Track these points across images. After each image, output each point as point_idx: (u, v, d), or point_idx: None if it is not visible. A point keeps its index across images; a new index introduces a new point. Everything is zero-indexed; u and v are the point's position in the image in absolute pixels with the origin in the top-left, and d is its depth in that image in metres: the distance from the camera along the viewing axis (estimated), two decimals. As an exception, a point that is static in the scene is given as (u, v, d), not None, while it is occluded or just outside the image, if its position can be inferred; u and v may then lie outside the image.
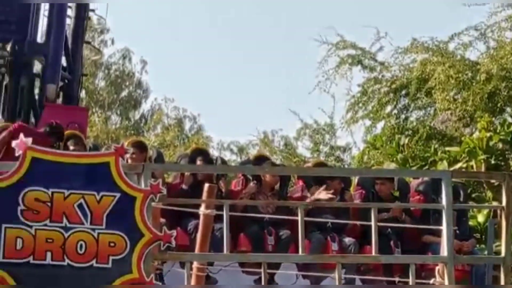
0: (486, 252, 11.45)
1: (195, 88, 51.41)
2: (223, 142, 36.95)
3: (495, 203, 12.57)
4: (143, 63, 39.44)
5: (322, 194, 10.89)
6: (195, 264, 8.87)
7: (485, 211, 13.76)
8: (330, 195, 10.81)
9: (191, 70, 51.99)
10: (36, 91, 14.32)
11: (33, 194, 7.12)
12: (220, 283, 10.21)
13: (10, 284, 7.01)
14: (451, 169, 15.18)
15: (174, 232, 7.53)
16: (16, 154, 7.21)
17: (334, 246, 10.75)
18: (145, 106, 40.09)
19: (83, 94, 35.17)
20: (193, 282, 8.77)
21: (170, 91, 52.08)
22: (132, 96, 39.82)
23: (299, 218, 8.32)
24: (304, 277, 10.52)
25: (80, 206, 7.17)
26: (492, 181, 14.39)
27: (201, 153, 11.83)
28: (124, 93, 39.65)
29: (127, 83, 39.69)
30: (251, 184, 10.96)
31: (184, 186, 10.83)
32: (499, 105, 17.09)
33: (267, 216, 10.66)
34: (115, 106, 39.37)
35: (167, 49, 51.97)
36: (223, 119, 51.46)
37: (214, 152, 32.52)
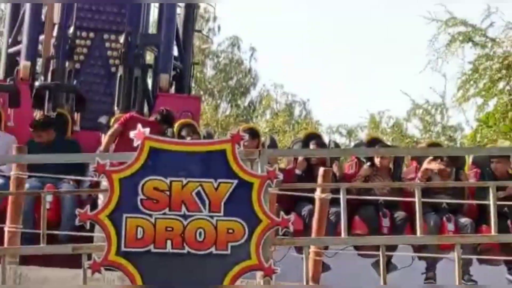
0: None
1: (303, 74, 51.40)
2: (332, 126, 36.83)
3: None
4: (252, 50, 39.57)
5: (432, 164, 10.80)
6: (312, 249, 8.93)
7: None
8: (440, 166, 10.73)
9: (299, 56, 51.83)
10: (149, 81, 14.48)
11: (152, 184, 7.18)
12: (336, 267, 10.21)
13: (131, 272, 7.11)
14: None
15: (291, 217, 7.53)
16: (135, 145, 7.28)
17: (450, 227, 10.66)
18: (254, 93, 40.25)
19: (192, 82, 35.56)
20: (310, 266, 8.83)
21: (278, 78, 51.96)
22: (242, 83, 39.93)
23: (416, 199, 8.25)
24: (420, 258, 10.46)
25: (198, 194, 7.22)
26: None
27: (314, 137, 11.86)
28: (233, 81, 39.76)
29: (236, 71, 39.82)
30: (365, 166, 10.92)
31: (297, 171, 10.86)
32: None
33: (381, 198, 10.59)
34: (224, 94, 39.57)
35: (275, 36, 51.87)
36: (331, 103, 51.68)
37: (325, 136, 32.44)
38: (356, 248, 10.05)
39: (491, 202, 8.29)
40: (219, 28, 38.63)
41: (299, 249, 8.68)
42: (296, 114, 39.62)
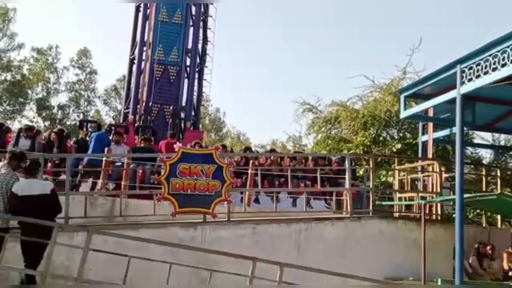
0: (363, 186, 11.30)
1: (246, 120, 50.73)
2: (255, 144, 36.94)
3: (367, 166, 12.38)
4: (224, 113, 39.54)
5: None
6: (246, 193, 8.83)
7: (363, 169, 13.40)
8: None
9: (245, 112, 51.41)
10: (182, 125, 14.36)
11: (182, 166, 7.10)
12: (256, 200, 10.04)
13: (174, 201, 6.98)
14: (349, 153, 15.13)
15: (238, 180, 7.48)
16: (175, 151, 7.22)
17: (302, 185, 10.25)
18: (224, 130, 40.03)
19: (200, 126, 35.20)
20: (245, 199, 8.75)
21: (235, 123, 51.74)
22: (219, 126, 39.62)
23: (288, 173, 8.24)
24: (290, 197, 10.21)
25: (201, 170, 7.14)
26: (365, 157, 14.26)
27: (248, 148, 11.84)
28: (215, 125, 39.45)
29: (217, 121, 39.53)
30: (268, 160, 10.78)
31: (241, 162, 10.61)
32: (367, 126, 16.89)
33: (275, 173, 10.49)
34: (212, 130, 39.22)
35: (235, 104, 51.47)
36: (257, 131, 51.25)
37: (253, 148, 32.58)
38: (265, 193, 9.74)
39: (318, 175, 8.37)
40: (212, 104, 38.55)
41: (242, 193, 8.61)
42: (242, 139, 39.58)
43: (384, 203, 9.69)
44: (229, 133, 39.31)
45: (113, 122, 31.81)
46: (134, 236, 6.13)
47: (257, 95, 51.64)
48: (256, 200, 10.13)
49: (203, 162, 7.19)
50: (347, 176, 8.36)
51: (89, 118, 28.39)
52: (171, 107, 13.62)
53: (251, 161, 9.37)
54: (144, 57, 14.27)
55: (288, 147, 28.07)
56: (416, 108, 8.48)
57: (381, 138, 16.91)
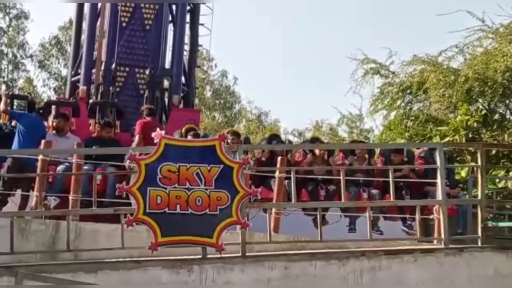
0: (467, 196, 11.27)
1: (269, 92, 51.69)
2: (287, 129, 37.22)
3: (472, 163, 12.34)
4: (235, 78, 39.76)
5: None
6: (273, 210, 8.93)
7: (466, 169, 13.49)
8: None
9: (267, 80, 51.95)
10: (166, 100, 14.47)
11: (166, 167, 7.16)
12: (289, 222, 10.17)
13: (153, 226, 7.09)
14: (442, 141, 15.08)
15: (259, 190, 7.56)
16: (155, 142, 7.26)
17: (365, 195, 10.63)
18: (237, 107, 40.40)
19: (196, 101, 35.71)
20: (272, 221, 8.83)
21: (252, 95, 52.38)
22: (228, 101, 40.03)
23: (341, 177, 8.32)
24: (345, 216, 10.44)
25: (197, 174, 7.20)
26: (470, 148, 14.25)
27: (276, 137, 11.84)
28: (223, 99, 39.87)
29: (225, 93, 39.94)
30: (308, 156, 10.90)
31: (263, 159, 10.79)
32: (473, 97, 16.85)
33: (319, 177, 10.57)
34: (217, 108, 39.65)
35: (250, 67, 52.00)
36: (287, 113, 51.97)
37: (282, 136, 32.63)
38: (303, 209, 9.99)
39: (390, 179, 8.33)
40: (215, 65, 38.85)
41: (265, 210, 8.67)
42: (266, 121, 39.85)
43: (503, 224, 9.56)
44: (244, 112, 39.55)
45: (54, 97, 32.24)
46: (91, 284, 6.13)
47: (288, 49, 51.87)
48: (289, 222, 10.19)
49: (200, 160, 7.26)
50: (439, 181, 8.27)
51: (16, 92, 28.63)
52: (147, 71, 13.68)
53: (279, 158, 9.36)
54: (101, -10, 14.35)
55: (341, 133, 28.17)
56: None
57: (496, 116, 16.80)
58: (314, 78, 51.39)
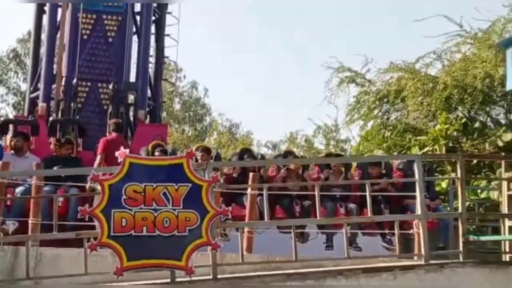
0: (448, 209, 11.37)
1: (240, 104, 51.71)
2: (260, 141, 37.21)
3: (453, 175, 12.47)
4: (205, 90, 39.69)
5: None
6: (246, 229, 8.93)
7: (447, 180, 13.61)
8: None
9: (238, 92, 51.92)
10: (131, 115, 14.39)
11: (131, 188, 7.15)
12: (263, 240, 10.17)
13: (118, 250, 7.06)
14: (420, 152, 15.21)
15: (229, 208, 7.59)
16: (119, 161, 7.25)
17: (342, 211, 10.68)
18: (207, 119, 40.34)
19: (164, 114, 35.68)
20: (245, 241, 8.83)
21: (222, 107, 52.34)
22: (198, 113, 39.95)
23: (316, 192, 8.36)
24: (322, 233, 10.47)
25: (164, 194, 7.19)
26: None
27: (247, 151, 11.84)
28: (192, 112, 39.77)
29: (195, 105, 39.84)
30: (282, 171, 10.92)
31: (234, 175, 10.77)
32: (453, 105, 17.01)
33: (294, 193, 10.59)
34: (187, 121, 39.56)
35: (221, 77, 52.05)
36: (259, 124, 52.01)
37: (255, 149, 32.64)
38: (279, 227, 9.98)
39: (367, 193, 8.37)
40: (184, 76, 38.77)
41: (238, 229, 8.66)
42: (237, 133, 39.81)
43: (484, 237, 9.64)
44: (215, 125, 39.52)
45: (13, 114, 31.94)
46: (52, 313, 6.13)
47: (262, 57, 51.91)
48: (264, 240, 10.15)
49: (167, 179, 7.25)
50: (417, 194, 8.33)
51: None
52: (110, 86, 13.61)
53: (251, 174, 9.37)
54: (60, -1, 14.27)
55: (317, 144, 28.24)
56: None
57: (477, 124, 16.98)
58: (288, 87, 51.52)
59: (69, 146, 11.02)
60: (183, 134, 36.94)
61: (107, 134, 11.63)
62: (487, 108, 17.33)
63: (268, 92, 51.99)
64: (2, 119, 18.51)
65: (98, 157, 10.68)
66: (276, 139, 35.80)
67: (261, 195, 8.74)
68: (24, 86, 31.55)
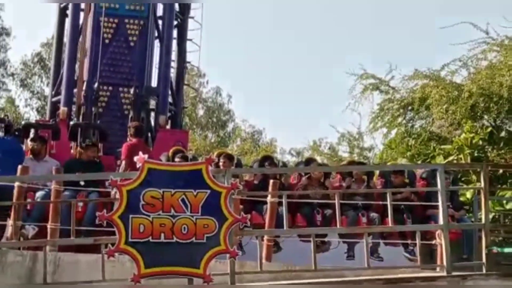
0: (472, 219, 11.26)
1: (264, 110, 51.87)
2: (284, 149, 37.20)
3: (478, 185, 12.36)
4: (229, 96, 39.73)
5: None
6: (265, 237, 8.89)
7: (472, 190, 13.51)
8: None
9: (263, 97, 52.08)
10: (152, 120, 14.45)
11: (150, 193, 7.12)
12: (285, 249, 10.14)
13: (136, 256, 7.06)
14: (445, 161, 15.13)
15: (248, 216, 7.53)
16: (137, 166, 7.26)
17: (364, 220, 10.60)
18: (230, 126, 40.41)
19: (187, 120, 35.90)
20: (264, 249, 8.79)
21: (246, 114, 52.49)
22: (221, 119, 40.00)
23: (336, 201, 8.32)
24: (344, 242, 10.40)
25: (182, 200, 7.16)
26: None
27: (268, 158, 11.80)
28: (215, 118, 39.84)
29: (218, 111, 39.91)
30: (303, 179, 10.88)
31: (255, 182, 10.78)
32: (478, 114, 16.92)
33: (315, 201, 10.53)
34: (210, 127, 39.63)
35: (244, 83, 52.19)
36: (283, 132, 52.05)
37: (278, 156, 32.65)
38: (300, 236, 9.93)
39: (388, 203, 8.30)
40: (207, 82, 38.89)
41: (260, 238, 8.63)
42: (260, 140, 39.82)
43: (508, 249, 9.56)
44: (238, 131, 39.53)
45: (36, 118, 32.15)
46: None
47: (285, 63, 51.92)
48: (286, 249, 10.14)
49: (186, 185, 7.23)
50: (440, 203, 8.24)
51: (-4, 113, 28.72)
52: (131, 90, 13.68)
53: (271, 181, 9.32)
54: (83, 5, 14.36)
55: (341, 152, 28.16)
56: None
57: (503, 134, 16.83)
58: (312, 94, 51.53)
59: (94, 149, 11.05)
60: (205, 140, 37.02)
61: (128, 139, 11.68)
62: (516, 117, 17.16)
63: (293, 98, 52.05)
64: (23, 123, 18.62)
65: (123, 163, 10.71)
66: (300, 146, 35.82)
67: (282, 203, 8.70)
68: (48, 91, 31.73)
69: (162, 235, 7.10)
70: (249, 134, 39.87)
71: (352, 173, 11.15)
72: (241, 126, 40.10)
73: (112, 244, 7.13)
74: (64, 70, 14.21)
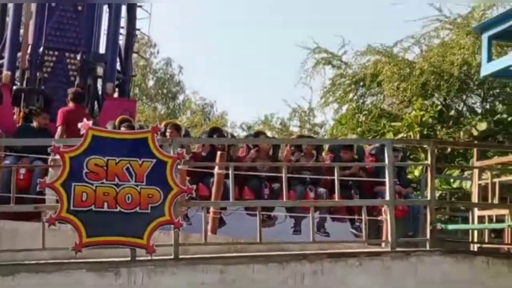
0: (420, 197, 11.43)
1: (216, 82, 51.70)
2: (234, 123, 37.15)
3: (424, 162, 12.55)
4: (180, 68, 39.43)
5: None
6: (211, 209, 8.89)
7: (420, 168, 13.68)
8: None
9: (213, 70, 51.79)
10: (99, 88, 14.28)
11: (93, 161, 7.07)
12: (230, 224, 10.16)
13: (78, 225, 7.02)
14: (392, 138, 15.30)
15: (194, 186, 7.49)
16: (81, 133, 7.15)
17: (312, 195, 10.62)
18: (180, 98, 40.19)
19: (136, 90, 35.51)
20: (210, 221, 8.81)
21: (197, 86, 52.13)
22: (172, 91, 39.75)
23: (283, 174, 8.34)
24: (290, 217, 10.45)
25: (127, 169, 7.13)
26: (424, 146, 14.45)
27: (217, 130, 11.77)
28: (166, 90, 39.55)
29: (169, 82, 39.63)
30: (252, 151, 10.88)
31: (203, 153, 10.75)
32: (429, 92, 17.19)
33: (263, 174, 10.54)
34: (160, 98, 39.37)
35: (195, 55, 51.85)
36: (233, 105, 52.03)
37: (229, 130, 32.55)
38: (246, 209, 9.92)
39: (335, 177, 8.35)
40: (158, 52, 38.51)
41: (206, 210, 8.60)
42: (211, 113, 39.70)
43: (452, 226, 9.70)
44: (188, 103, 39.38)
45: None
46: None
47: (236, 36, 51.72)
48: (232, 222, 10.18)
49: (131, 154, 7.19)
50: (387, 179, 8.31)
51: None
52: (78, 56, 13.47)
53: (218, 153, 9.31)
54: (29, -34, 14.05)
55: (292, 128, 28.25)
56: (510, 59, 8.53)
57: (452, 112, 17.08)
58: (263, 68, 51.45)
59: (45, 115, 10.87)
60: (155, 112, 36.77)
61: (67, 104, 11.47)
62: (463, 96, 17.47)
63: (244, 71, 51.94)
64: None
65: (59, 129, 10.51)
66: (251, 120, 35.82)
67: (228, 176, 8.67)
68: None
69: (105, 204, 7.06)
70: (199, 107, 39.71)
71: (301, 147, 11.18)
72: (191, 98, 39.92)
73: (54, 213, 7.06)
74: (8, 33, 13.85)
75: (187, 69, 41.43)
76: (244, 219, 9.85)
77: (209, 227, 8.65)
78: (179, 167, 7.44)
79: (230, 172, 8.21)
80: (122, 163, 7.12)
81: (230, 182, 8.18)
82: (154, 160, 7.19)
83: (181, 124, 17.81)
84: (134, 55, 17.30)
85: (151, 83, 39.55)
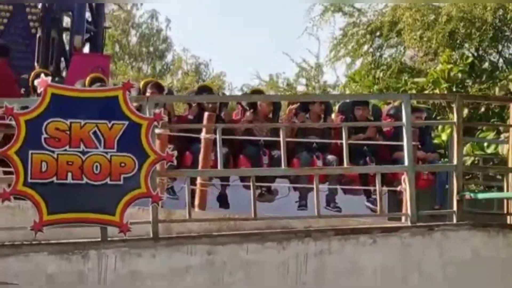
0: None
1: (209, 39, 51.67)
2: (235, 84, 37.18)
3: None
4: (168, 21, 39.27)
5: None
6: (198, 180, 8.83)
7: (448, 131, 13.58)
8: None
9: (205, 24, 51.75)
10: (66, 41, 14.27)
11: (54, 125, 7.05)
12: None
13: (37, 200, 7.00)
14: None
15: (175, 153, 7.46)
16: (38, 91, 7.15)
17: (319, 163, 10.54)
18: (169, 57, 40.15)
19: (117, 48, 35.38)
20: (197, 195, 8.76)
21: (188, 43, 52.19)
22: (159, 49, 39.69)
23: (281, 139, 8.27)
24: (294, 189, 10.40)
25: (94, 133, 7.12)
26: (453, 105, 14.33)
27: (206, 89, 11.72)
28: (152, 47, 39.49)
29: (155, 38, 39.54)
30: (248, 113, 10.79)
31: (190, 116, 10.69)
32: (458, 41, 17.16)
33: (261, 138, 10.46)
34: (145, 58, 39.34)
35: (187, 7, 51.72)
36: (231, 65, 51.99)
37: (227, 93, 32.50)
38: (242, 180, 9.92)
39: (343, 141, 8.28)
40: (141, 4, 38.38)
41: (193, 182, 8.58)
42: (204, 73, 39.65)
43: (482, 195, 9.59)
44: (178, 63, 39.32)
45: None
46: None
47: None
48: (222, 197, 10.22)
49: (98, 115, 7.19)
50: (405, 141, 8.22)
51: None
52: (39, 5, 13.39)
53: (206, 114, 9.22)
54: None
55: (300, 88, 28.19)
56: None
57: (486, 65, 17.04)
58: (264, 18, 51.31)
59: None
60: (139, 73, 36.74)
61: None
62: (499, 46, 17.40)
63: (241, 25, 51.81)
64: None
65: None
66: (254, 82, 35.68)
67: (217, 141, 8.59)
68: None
69: (69, 175, 7.06)
70: (192, 67, 39.60)
71: (307, 107, 11.06)
72: (182, 56, 39.79)
73: (9, 186, 7.07)
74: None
75: (175, 22, 41.28)
76: (241, 193, 9.89)
77: (196, 201, 8.61)
78: (158, 131, 7.40)
79: (218, 135, 8.16)
80: (88, 126, 7.10)
81: (218, 147, 8.11)
82: (126, 123, 7.17)
83: (167, 85, 17.79)
84: (111, 5, 17.24)
85: (134, 39, 39.48)
